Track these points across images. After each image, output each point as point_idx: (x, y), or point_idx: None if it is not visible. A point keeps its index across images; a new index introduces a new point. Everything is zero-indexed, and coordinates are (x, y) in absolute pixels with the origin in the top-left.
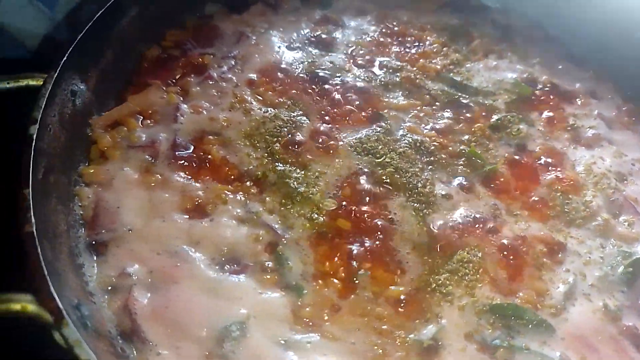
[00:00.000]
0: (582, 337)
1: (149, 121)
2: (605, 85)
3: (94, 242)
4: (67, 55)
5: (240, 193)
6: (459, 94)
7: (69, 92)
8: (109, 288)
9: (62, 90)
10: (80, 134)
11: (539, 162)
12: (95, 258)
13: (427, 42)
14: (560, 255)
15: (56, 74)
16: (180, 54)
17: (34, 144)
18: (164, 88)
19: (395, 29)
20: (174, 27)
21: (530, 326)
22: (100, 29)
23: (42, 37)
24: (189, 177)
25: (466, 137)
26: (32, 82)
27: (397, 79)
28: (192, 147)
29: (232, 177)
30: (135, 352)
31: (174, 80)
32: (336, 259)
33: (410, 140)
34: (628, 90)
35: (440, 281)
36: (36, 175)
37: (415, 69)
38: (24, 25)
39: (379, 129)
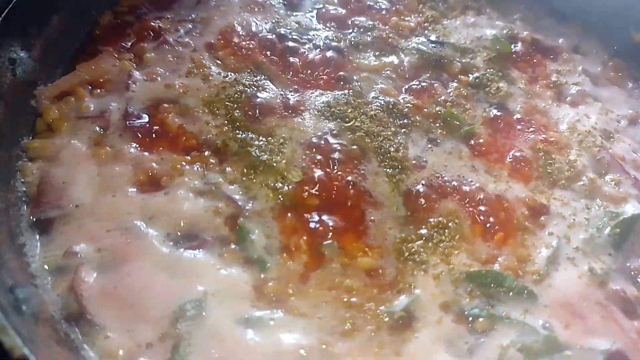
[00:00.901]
0: (566, 304)
1: (99, 90)
2: (590, 41)
3: (37, 220)
4: (0, 18)
5: (198, 164)
6: (435, 53)
7: (7, 60)
8: (54, 269)
9: None
10: (24, 106)
11: (520, 121)
12: (38, 237)
13: None
14: (543, 218)
15: None
16: (135, 19)
17: None
18: (116, 55)
19: None
20: None
21: (511, 294)
22: None
23: None
24: (143, 148)
25: (442, 98)
26: None
27: (369, 39)
28: (146, 117)
29: (190, 147)
30: (80, 335)
31: (127, 47)
32: (302, 230)
33: (383, 103)
34: (614, 45)
35: (413, 249)
36: None
37: (388, 27)
38: None
39: (348, 91)
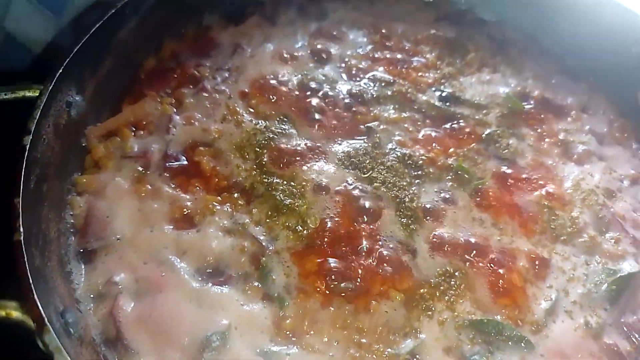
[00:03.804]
0: (561, 354)
1: (142, 132)
2: (599, 100)
3: (83, 250)
4: (63, 67)
5: (228, 204)
6: (450, 108)
7: (64, 103)
8: (96, 295)
9: (58, 102)
10: (75, 144)
11: (528, 177)
12: (83, 266)
13: (422, 56)
14: (544, 272)
15: (51, 86)
16: (176, 65)
17: (26, 154)
18: (159, 99)
19: (391, 42)
20: (172, 37)
21: (510, 342)
22: (99, 40)
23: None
24: (179, 187)
25: (456, 151)
26: (28, 94)
27: (389, 93)
28: (184, 158)
29: (221, 188)
30: (117, 358)
31: (169, 91)
32: (319, 272)
33: (399, 154)
34: (621, 106)
35: (421, 296)
36: (28, 185)
37: (407, 82)
38: (30, 32)
39: (368, 142)
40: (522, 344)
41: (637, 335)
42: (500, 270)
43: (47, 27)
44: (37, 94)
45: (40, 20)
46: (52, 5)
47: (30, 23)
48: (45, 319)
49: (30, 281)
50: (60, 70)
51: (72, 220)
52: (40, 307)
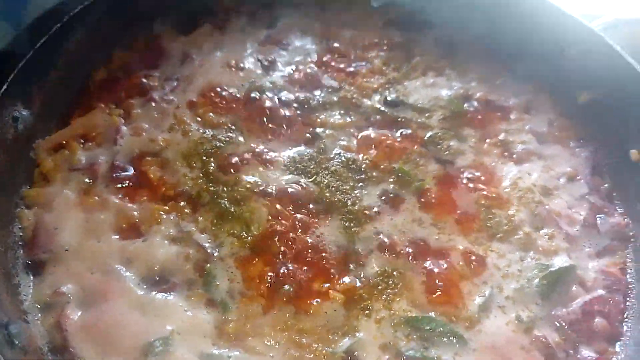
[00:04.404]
0: (493, 348)
1: (90, 143)
2: (541, 101)
3: (31, 262)
4: (7, 83)
5: (174, 213)
6: (394, 112)
7: (11, 119)
8: (43, 306)
9: (3, 117)
10: (24, 157)
11: (467, 177)
12: (32, 277)
13: (368, 61)
14: (479, 269)
15: None
16: (126, 75)
17: None
18: (107, 111)
19: (339, 47)
20: (122, 47)
21: (444, 338)
22: (46, 54)
23: None
24: (126, 197)
25: (398, 154)
26: None
27: (335, 99)
28: (131, 169)
29: (168, 197)
30: None
31: (118, 102)
32: (262, 276)
33: (343, 159)
34: (562, 106)
35: (360, 296)
36: None
37: (353, 88)
38: None
39: (314, 147)
40: (456, 339)
41: (566, 327)
42: (436, 269)
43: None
44: None
45: None
46: (10, 17)
47: None
48: None
49: None
50: (5, 87)
51: (20, 234)
52: None
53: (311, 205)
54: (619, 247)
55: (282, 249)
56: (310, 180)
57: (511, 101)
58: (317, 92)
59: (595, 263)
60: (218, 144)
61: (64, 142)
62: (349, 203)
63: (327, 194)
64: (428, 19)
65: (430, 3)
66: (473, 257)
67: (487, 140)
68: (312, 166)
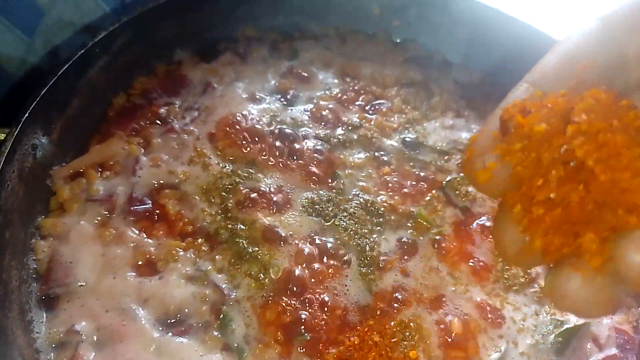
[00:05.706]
0: None
1: (108, 172)
2: None
3: (45, 297)
4: (29, 111)
5: (192, 250)
6: (413, 154)
7: (30, 147)
8: (57, 345)
9: (23, 146)
10: (41, 185)
11: (484, 225)
12: (45, 313)
13: (388, 99)
14: (495, 322)
15: (17, 131)
16: (146, 102)
17: None
18: (126, 139)
19: (359, 83)
20: (142, 74)
21: None
22: (67, 81)
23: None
24: (143, 231)
25: (417, 198)
26: None
27: (355, 137)
28: (149, 202)
29: (186, 233)
30: None
31: (137, 130)
32: (279, 321)
33: (362, 200)
34: None
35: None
36: None
37: (373, 126)
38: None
39: (333, 188)
40: None
41: None
42: (454, 321)
43: (17, 47)
44: (2, 139)
45: (11, 40)
46: (24, 26)
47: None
48: None
49: None
50: (27, 115)
51: (34, 266)
52: None
53: (330, 251)
54: (632, 304)
55: (300, 295)
56: (329, 223)
57: None
58: (337, 130)
59: (609, 320)
60: (237, 180)
61: (82, 170)
62: (367, 248)
63: (346, 238)
64: (446, 59)
65: (448, 42)
66: (489, 309)
67: None
68: (331, 208)
